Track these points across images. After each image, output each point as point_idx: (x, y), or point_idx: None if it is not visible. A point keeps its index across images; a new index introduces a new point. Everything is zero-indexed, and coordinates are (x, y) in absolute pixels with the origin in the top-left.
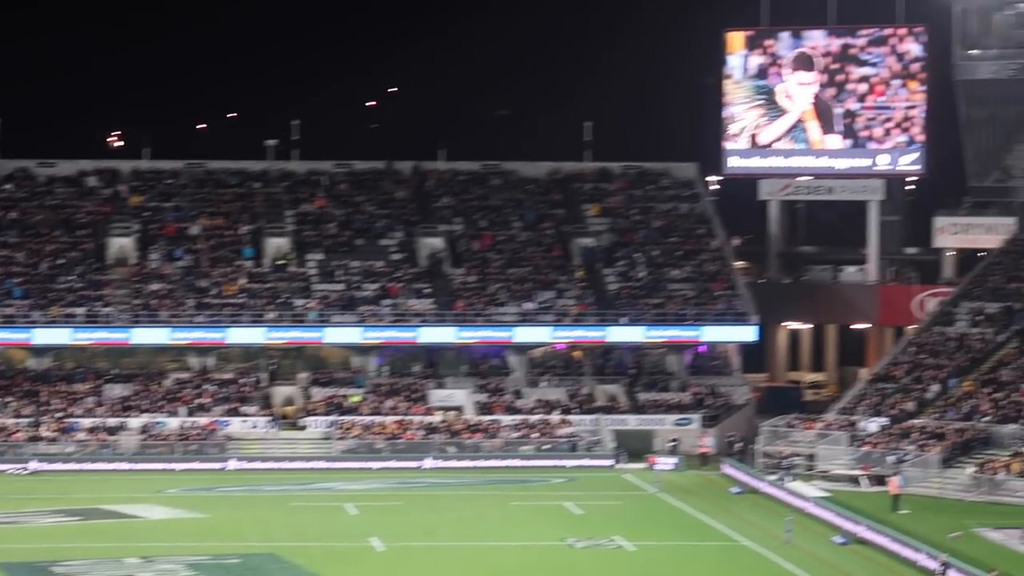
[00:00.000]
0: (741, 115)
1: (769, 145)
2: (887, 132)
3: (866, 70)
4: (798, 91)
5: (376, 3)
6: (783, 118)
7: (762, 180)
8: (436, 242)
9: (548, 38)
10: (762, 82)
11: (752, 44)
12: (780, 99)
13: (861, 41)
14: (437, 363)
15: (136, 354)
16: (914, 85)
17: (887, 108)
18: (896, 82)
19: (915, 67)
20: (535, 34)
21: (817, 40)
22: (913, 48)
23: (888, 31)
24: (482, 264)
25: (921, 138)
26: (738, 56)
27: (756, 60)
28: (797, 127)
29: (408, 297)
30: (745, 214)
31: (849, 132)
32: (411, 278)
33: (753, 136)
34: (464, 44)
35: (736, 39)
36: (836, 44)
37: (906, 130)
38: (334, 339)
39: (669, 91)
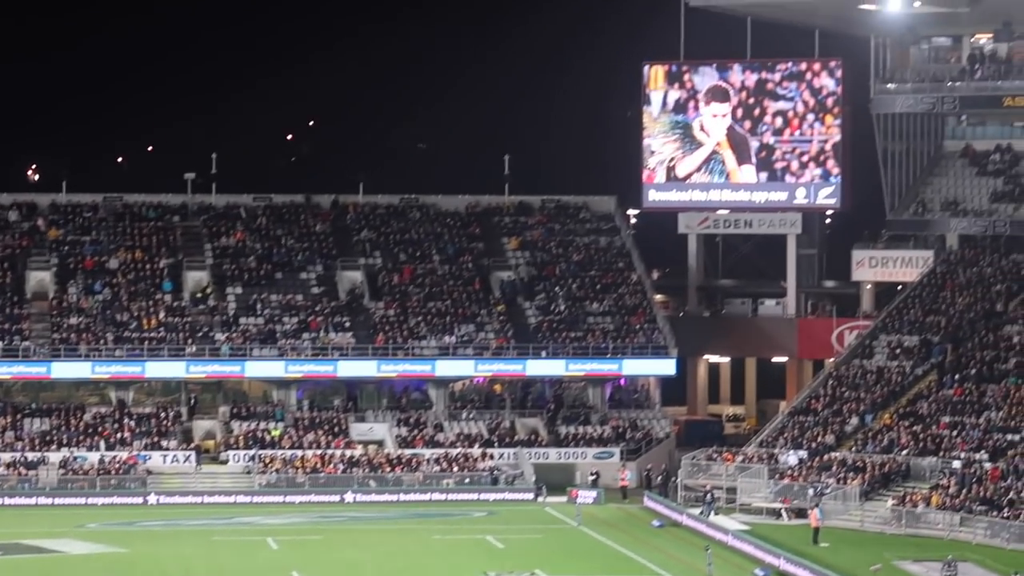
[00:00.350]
0: (659, 148)
1: (687, 178)
2: (803, 165)
3: (781, 104)
4: (712, 123)
5: (296, 35)
6: (699, 151)
7: (681, 213)
8: (356, 276)
9: (466, 71)
10: (680, 116)
11: (671, 78)
12: (696, 132)
13: (777, 76)
14: (358, 397)
15: (55, 388)
16: (829, 119)
17: (803, 142)
18: (811, 116)
19: (830, 101)
20: (453, 67)
21: (734, 75)
22: (828, 83)
23: (803, 65)
24: (402, 297)
25: (838, 172)
26: (657, 90)
27: (674, 94)
28: (713, 159)
29: (328, 331)
30: (664, 247)
31: (765, 165)
32: (331, 312)
33: (670, 169)
34: (382, 77)
35: (656, 73)
36: (752, 79)
37: (822, 164)
38: (254, 373)
39: (588, 124)
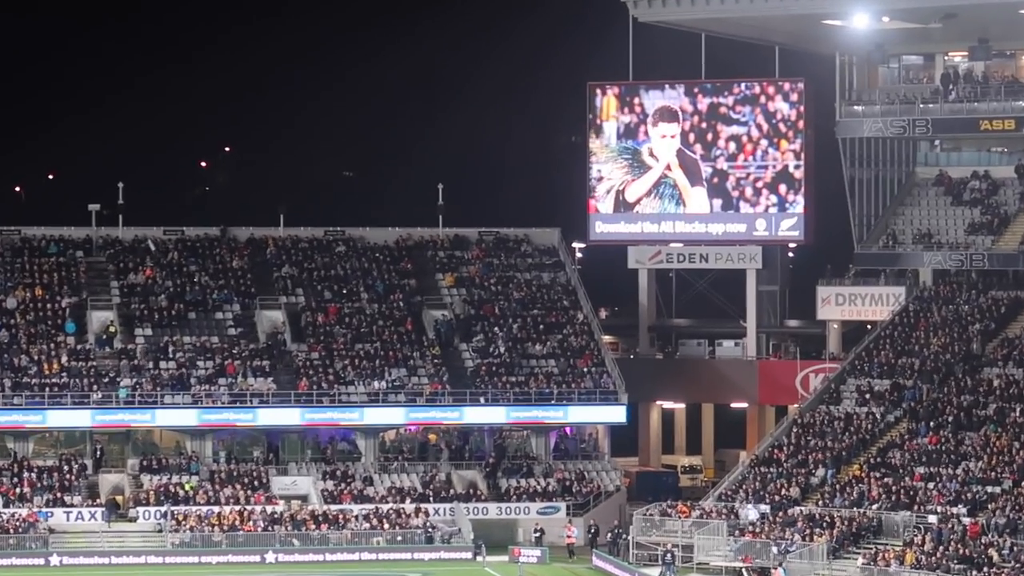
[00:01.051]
0: (608, 174)
1: (636, 204)
2: (758, 193)
3: (735, 128)
4: (661, 144)
5: (210, 55)
6: (648, 174)
7: (631, 247)
8: (276, 315)
9: (395, 92)
10: (628, 142)
11: (621, 102)
12: (645, 157)
13: (729, 100)
14: (279, 447)
15: None
16: (784, 144)
17: (760, 168)
18: (765, 141)
19: (782, 126)
20: (381, 88)
21: (683, 99)
22: (782, 106)
23: (756, 88)
24: (327, 339)
25: (801, 201)
26: (608, 120)
27: (623, 118)
28: (663, 183)
29: (247, 376)
30: (613, 284)
31: (719, 192)
32: (250, 355)
33: (619, 194)
34: (302, 98)
35: (608, 103)
36: (704, 102)
37: (782, 192)
38: (166, 422)
39: (529, 150)
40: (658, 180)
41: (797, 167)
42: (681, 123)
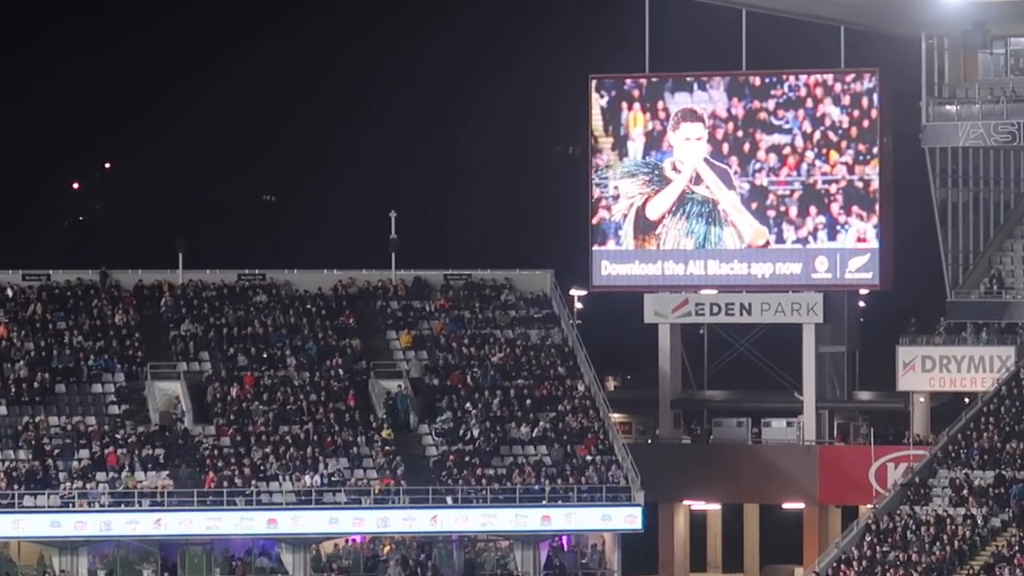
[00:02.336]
0: (625, 191)
1: (659, 221)
2: (815, 218)
3: (777, 137)
4: (684, 149)
5: (78, 42)
6: (670, 187)
7: (648, 294)
8: (173, 388)
9: (332, 92)
10: (652, 156)
11: (642, 108)
12: (667, 171)
13: (775, 100)
14: (178, 564)
15: None
16: (851, 156)
17: (820, 186)
18: (823, 153)
19: (850, 133)
20: (313, 87)
21: (718, 100)
22: (848, 107)
23: (813, 84)
24: (242, 419)
25: (872, 231)
26: (629, 125)
27: (638, 120)
28: (688, 199)
29: (134, 468)
30: (624, 344)
31: (760, 215)
32: (138, 441)
33: (639, 212)
34: (206, 98)
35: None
36: (741, 105)
37: (845, 219)
38: (25, 531)
39: (510, 167)
40: (682, 194)
41: (870, 187)
42: (709, 125)
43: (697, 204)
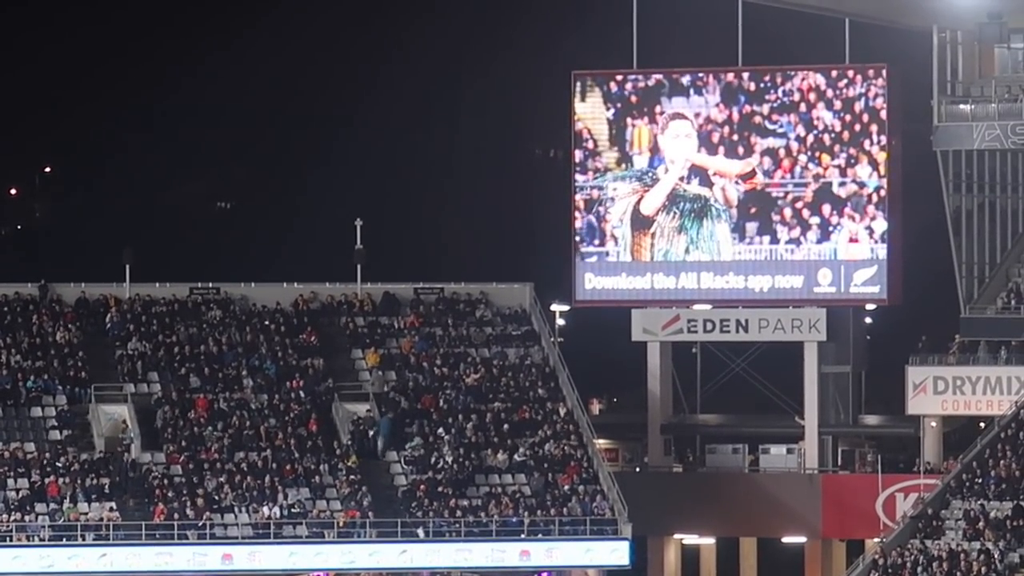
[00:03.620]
0: (618, 193)
1: (652, 218)
2: (817, 227)
3: (772, 141)
4: (674, 146)
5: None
6: (660, 184)
7: (636, 310)
8: (120, 410)
9: (292, 86)
10: (651, 166)
11: (628, 106)
12: (659, 171)
13: (771, 100)
14: None
15: None
16: (855, 159)
17: (820, 191)
18: (824, 154)
19: (855, 133)
20: (271, 79)
21: (705, 106)
22: (852, 106)
23: (814, 81)
24: (194, 446)
25: (879, 241)
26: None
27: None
28: (679, 197)
29: (76, 500)
30: (610, 364)
31: (759, 219)
32: (81, 469)
33: (635, 209)
34: (156, 94)
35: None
36: (737, 108)
37: (848, 228)
38: None
39: (486, 171)
40: (672, 191)
41: (876, 193)
42: (698, 124)
43: (688, 201)
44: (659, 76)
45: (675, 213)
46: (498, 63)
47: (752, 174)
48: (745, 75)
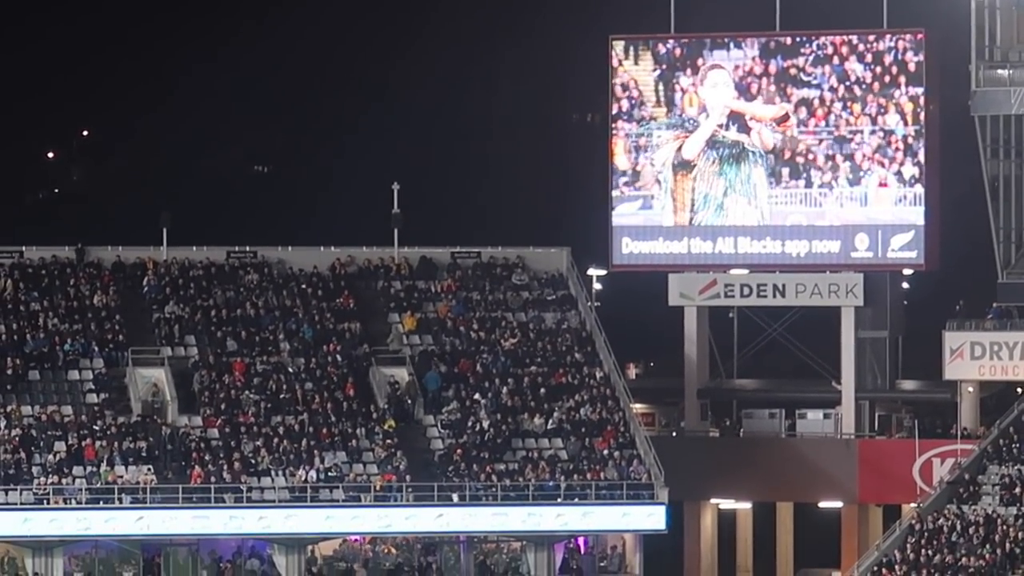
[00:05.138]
0: (659, 140)
1: (693, 162)
2: (853, 190)
3: (807, 91)
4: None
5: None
6: (700, 130)
7: (673, 274)
8: (157, 374)
9: (330, 52)
10: (681, 116)
11: (673, 65)
12: (700, 120)
13: (800, 61)
14: (161, 567)
15: None
16: (892, 124)
17: (856, 156)
18: (861, 118)
19: (893, 97)
20: (308, 45)
21: (744, 59)
22: (890, 71)
23: (852, 45)
24: (231, 410)
25: (916, 207)
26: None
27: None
28: (718, 141)
29: (114, 462)
30: (647, 329)
31: (796, 174)
32: (118, 432)
33: (678, 153)
34: (194, 59)
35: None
36: (770, 65)
37: (886, 192)
38: None
39: (522, 136)
40: (711, 137)
41: (904, 140)
42: (735, 74)
43: (727, 146)
44: (697, 42)
45: (714, 158)
46: (536, 29)
47: (786, 118)
48: (782, 38)
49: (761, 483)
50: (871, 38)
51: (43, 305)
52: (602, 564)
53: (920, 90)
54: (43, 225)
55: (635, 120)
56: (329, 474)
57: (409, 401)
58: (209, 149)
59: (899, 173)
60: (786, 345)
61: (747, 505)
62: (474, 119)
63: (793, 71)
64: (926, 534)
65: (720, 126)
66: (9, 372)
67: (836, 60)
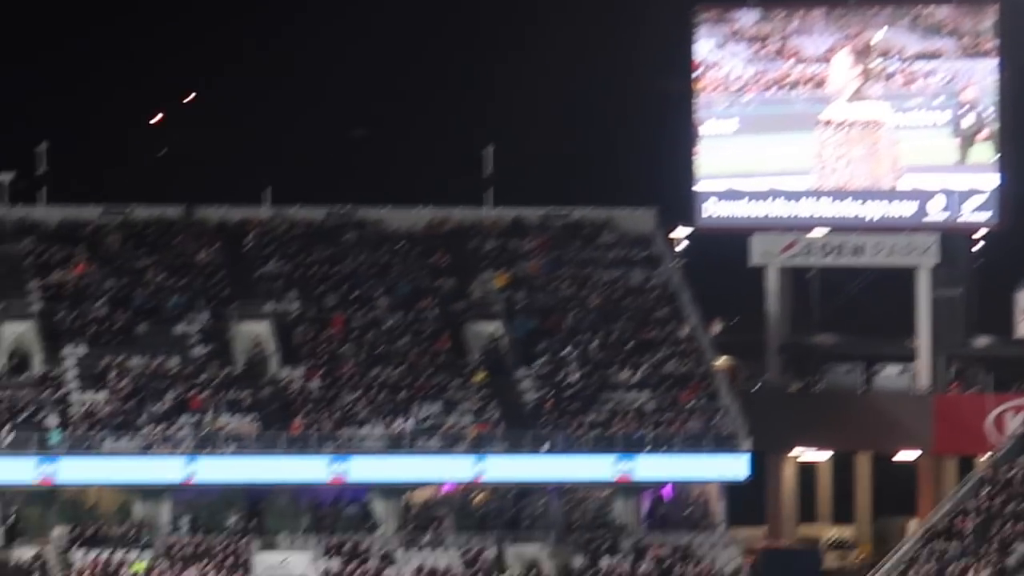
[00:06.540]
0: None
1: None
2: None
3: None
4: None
5: None
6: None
7: (755, 235)
8: (260, 328)
9: (427, 20)
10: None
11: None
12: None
13: (883, 29)
14: (264, 512)
15: None
16: (969, 93)
17: (933, 122)
18: (938, 87)
19: (969, 68)
20: (405, 13)
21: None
22: (964, 42)
23: (928, 17)
24: (331, 362)
25: (991, 169)
26: (714, 45)
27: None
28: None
29: (219, 412)
30: (730, 286)
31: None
32: (223, 383)
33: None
34: (297, 27)
35: (712, 22)
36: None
37: (961, 156)
38: (105, 476)
39: (608, 101)
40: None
41: (988, 119)
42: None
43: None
44: (780, 12)
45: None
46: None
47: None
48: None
49: (840, 435)
50: (946, 8)
51: (151, 262)
52: (687, 511)
53: (995, 58)
54: (151, 186)
55: (722, 87)
56: (425, 424)
57: (503, 353)
58: (311, 113)
59: (973, 136)
60: (864, 303)
61: (827, 456)
62: (569, 83)
63: (871, 39)
64: (999, 484)
65: (801, 94)
66: (117, 327)
67: (913, 29)
